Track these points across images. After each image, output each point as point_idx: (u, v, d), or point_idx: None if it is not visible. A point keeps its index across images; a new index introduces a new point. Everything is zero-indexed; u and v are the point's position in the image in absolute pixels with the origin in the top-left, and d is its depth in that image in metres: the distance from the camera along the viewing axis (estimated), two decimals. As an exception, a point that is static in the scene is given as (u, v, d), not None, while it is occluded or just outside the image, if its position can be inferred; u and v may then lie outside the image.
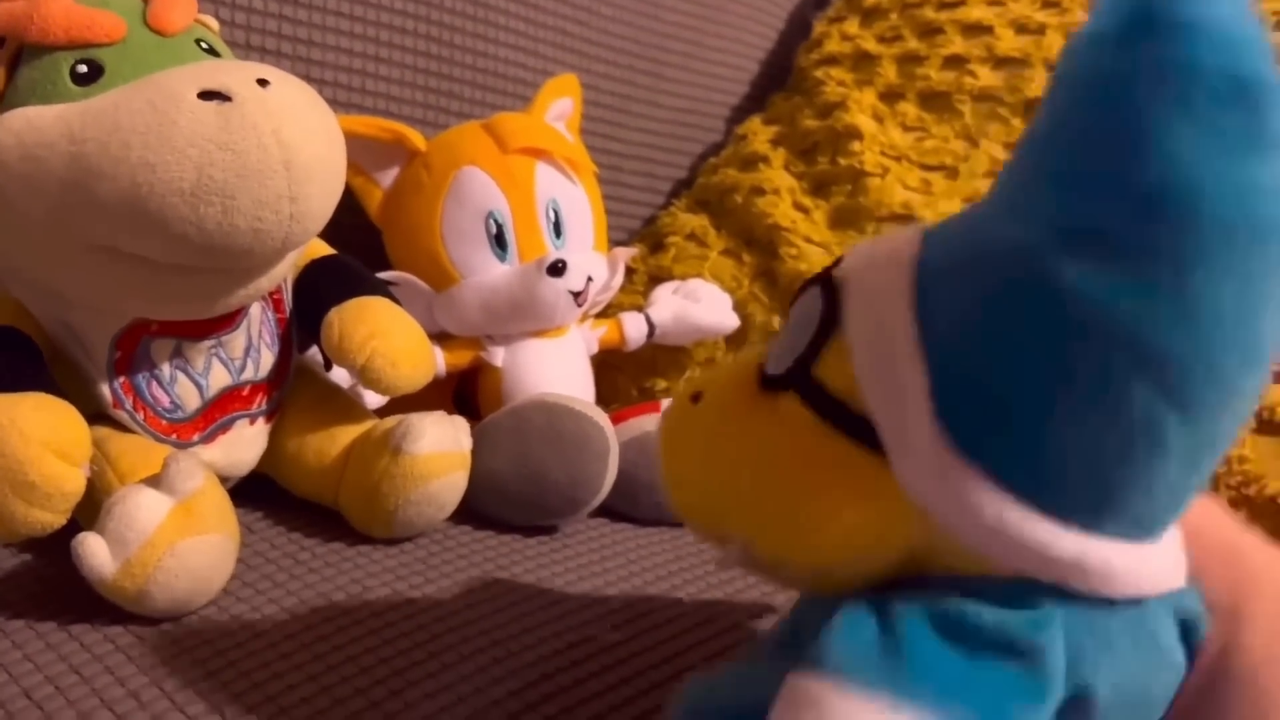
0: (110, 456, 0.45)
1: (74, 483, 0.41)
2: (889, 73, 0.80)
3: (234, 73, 0.41)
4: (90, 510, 0.42)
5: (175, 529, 0.41)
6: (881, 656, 0.24)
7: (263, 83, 0.40)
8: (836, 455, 0.27)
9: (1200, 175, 0.23)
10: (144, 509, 0.40)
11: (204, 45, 0.45)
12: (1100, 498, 0.25)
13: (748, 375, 0.31)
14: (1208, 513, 0.31)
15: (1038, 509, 0.25)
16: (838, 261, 0.30)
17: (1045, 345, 0.24)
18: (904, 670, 0.24)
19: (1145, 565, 0.26)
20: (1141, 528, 0.26)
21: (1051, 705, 0.25)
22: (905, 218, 0.67)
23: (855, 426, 0.27)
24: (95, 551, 0.40)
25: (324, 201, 0.43)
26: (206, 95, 0.39)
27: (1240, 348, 0.24)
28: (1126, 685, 0.26)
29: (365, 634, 0.42)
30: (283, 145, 0.40)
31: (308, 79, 0.46)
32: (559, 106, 0.67)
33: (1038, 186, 0.25)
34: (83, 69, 0.41)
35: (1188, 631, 0.28)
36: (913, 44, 0.81)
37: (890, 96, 0.78)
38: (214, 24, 0.48)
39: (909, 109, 0.76)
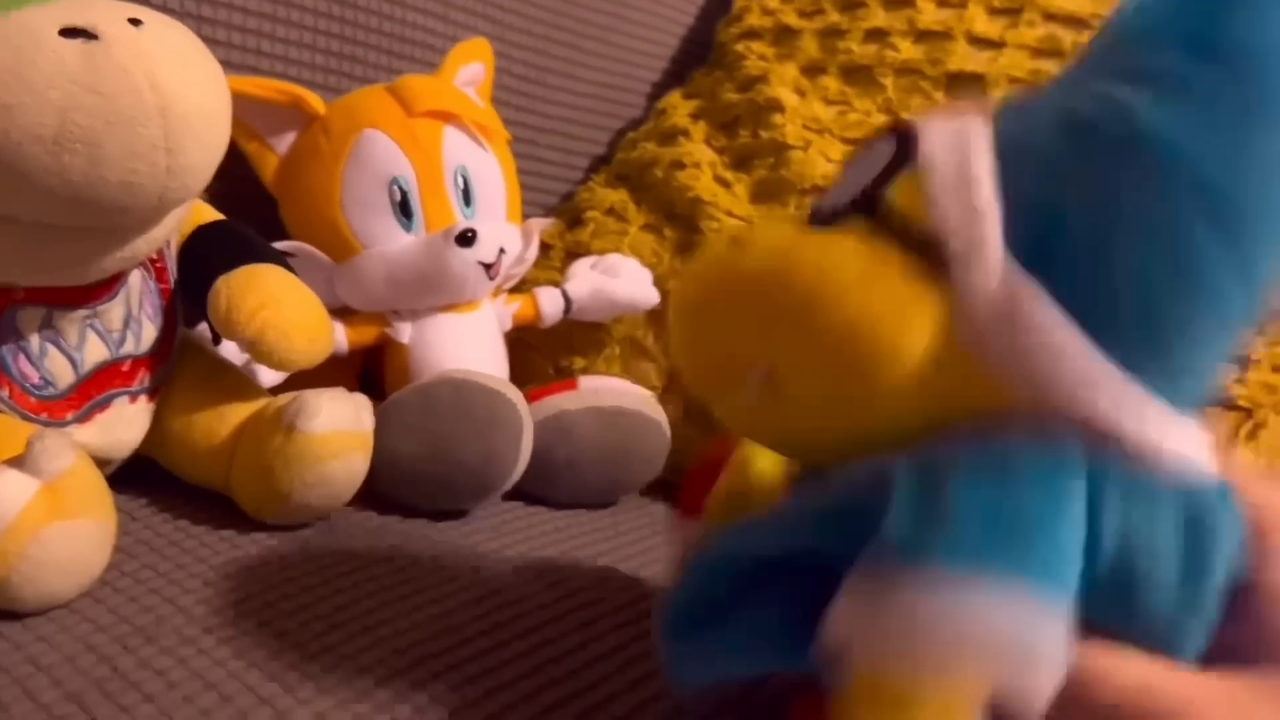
0: (-31, 438, 0.41)
1: (-77, 467, 0.37)
2: (810, 46, 0.78)
3: (101, 9, 0.37)
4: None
5: (41, 513, 0.37)
6: (941, 533, 0.24)
7: (135, 22, 0.37)
8: (904, 269, 0.27)
9: (1276, 38, 0.25)
10: (4, 492, 0.37)
11: (71, -14, 0.41)
12: (1146, 340, 0.25)
13: (788, 219, 0.32)
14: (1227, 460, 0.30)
15: (1089, 336, 0.25)
16: (899, 122, 0.30)
17: (1114, 177, 0.25)
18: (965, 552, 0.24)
19: (1175, 426, 0.26)
20: (1181, 388, 0.26)
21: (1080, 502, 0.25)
22: (828, 191, 0.65)
23: (920, 243, 0.27)
24: (-50, 541, 0.36)
25: (205, 155, 0.39)
26: (69, 33, 0.36)
27: None
28: (1138, 549, 0.25)
29: (255, 627, 0.38)
30: (157, 90, 0.36)
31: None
32: (469, 71, 0.64)
33: (1111, 50, 0.27)
34: (-70, 5, 0.37)
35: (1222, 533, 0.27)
36: (834, 17, 0.79)
37: (812, 70, 0.77)
38: (85, -34, 0.44)
39: (831, 82, 0.75)
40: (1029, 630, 0.23)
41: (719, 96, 0.78)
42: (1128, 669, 0.26)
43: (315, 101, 0.58)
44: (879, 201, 0.28)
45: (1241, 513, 0.27)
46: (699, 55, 0.92)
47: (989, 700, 0.24)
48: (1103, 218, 0.25)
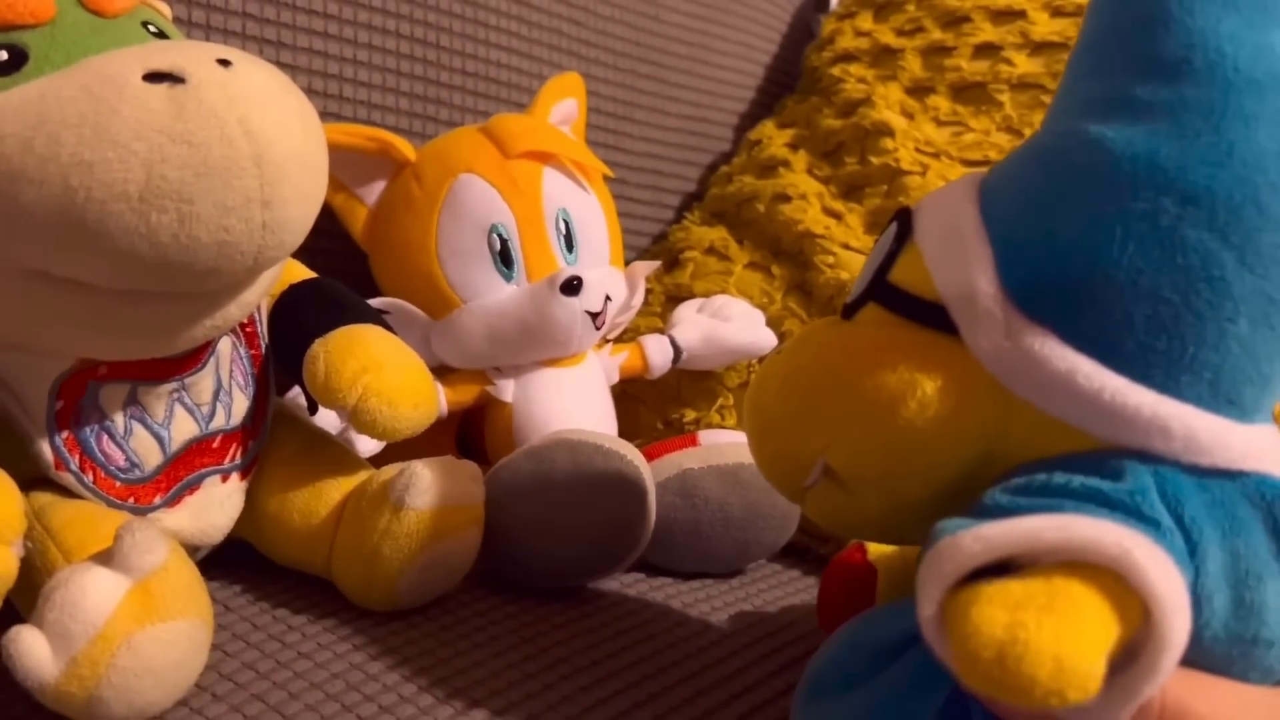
0: (52, 529, 0.37)
1: (2, 565, 0.33)
2: (914, 66, 0.73)
3: (188, 51, 0.33)
4: (29, 596, 0.34)
5: (132, 617, 0.33)
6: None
7: (224, 63, 0.33)
8: (913, 340, 0.28)
9: (1220, 41, 0.25)
10: (92, 593, 0.32)
11: (152, 29, 0.37)
12: (1171, 351, 0.25)
13: (829, 317, 0.33)
14: None
15: (1109, 365, 0.25)
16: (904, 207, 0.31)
17: (1096, 198, 0.26)
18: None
19: (1234, 436, 0.25)
20: (1226, 398, 0.26)
21: (1186, 564, 0.24)
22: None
23: (928, 313, 0.28)
24: (32, 649, 0.32)
25: (303, 207, 0.35)
26: (155, 77, 0.32)
27: None
28: (1238, 558, 0.24)
29: (371, 734, 0.34)
30: (251, 137, 0.32)
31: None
32: (563, 109, 0.60)
33: (1070, 88, 0.28)
34: (2, 55, 0.34)
35: None
36: (937, 35, 0.74)
37: (918, 91, 0.72)
38: (165, 8, 0.40)
39: (941, 102, 0.70)
40: (1126, 542, 0.21)
41: (818, 124, 0.73)
42: (1240, 714, 0.25)
43: (405, 147, 0.54)
44: (886, 284, 0.29)
45: None
46: (785, 84, 0.88)
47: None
48: (1094, 245, 0.25)
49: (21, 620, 0.33)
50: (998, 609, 0.20)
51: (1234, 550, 0.24)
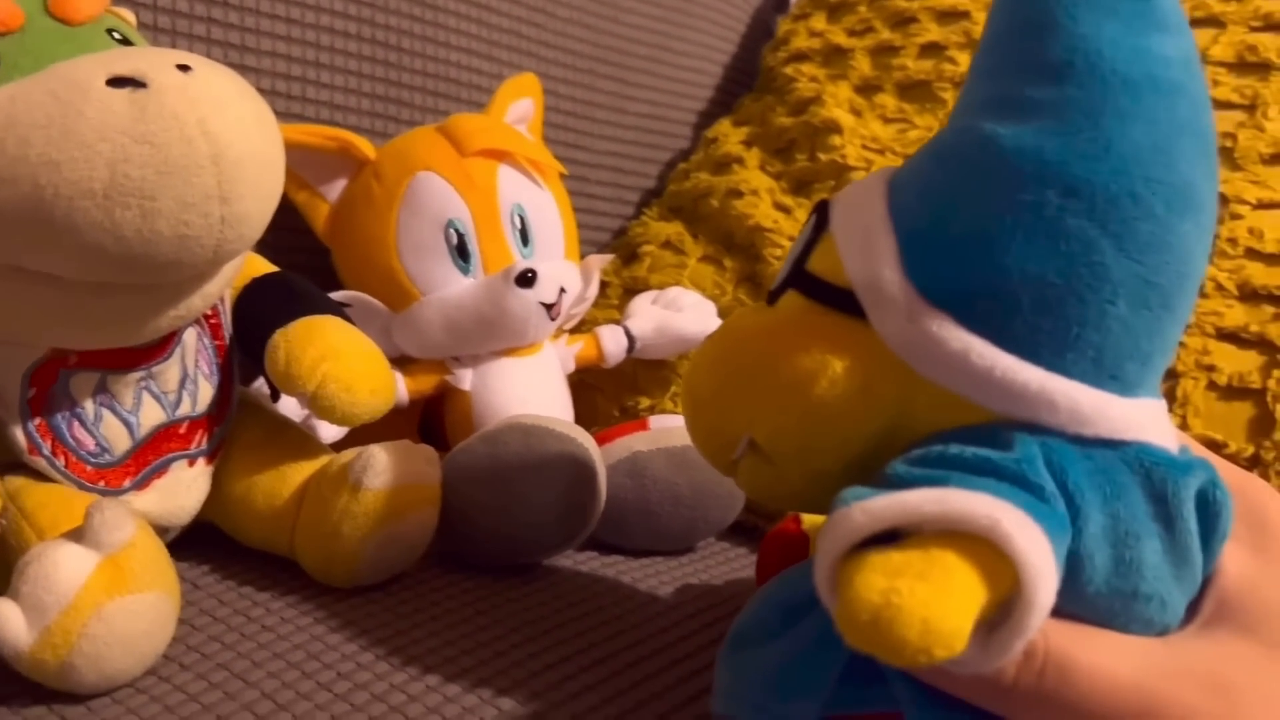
0: (26, 510, 0.39)
1: (-22, 543, 0.35)
2: (863, 65, 0.76)
3: (150, 57, 0.35)
4: (4, 573, 0.36)
5: (102, 589, 0.35)
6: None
7: (184, 68, 0.35)
8: (825, 323, 0.30)
9: (1101, 45, 0.27)
10: (64, 567, 0.35)
11: (116, 35, 0.39)
12: (1056, 331, 0.27)
13: (758, 303, 0.34)
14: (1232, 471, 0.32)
15: (1000, 345, 0.27)
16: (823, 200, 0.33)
17: (988, 192, 0.27)
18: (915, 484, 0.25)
19: (1115, 408, 0.27)
20: (1108, 373, 0.27)
21: (1067, 526, 0.26)
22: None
23: (840, 299, 0.30)
24: (7, 620, 0.34)
25: (260, 203, 0.37)
26: (118, 82, 0.34)
27: (1164, 187, 0.27)
28: (1118, 521, 0.27)
29: (330, 700, 0.36)
30: (209, 137, 0.34)
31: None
32: (519, 108, 0.62)
33: (971, 86, 0.30)
34: (-28, 62, 0.36)
35: (1204, 504, 0.28)
36: (885, 35, 0.77)
37: (866, 89, 0.74)
38: (129, 15, 0.42)
39: (888, 100, 0.72)
40: (995, 513, 0.23)
41: (771, 121, 0.76)
42: (1122, 665, 0.27)
43: (365, 146, 0.57)
44: (804, 272, 0.31)
45: (1213, 478, 0.28)
46: (744, 83, 0.91)
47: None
48: (988, 233, 0.27)
49: (-3, 596, 0.35)
50: (877, 575, 0.22)
51: (1114, 513, 0.26)
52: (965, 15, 0.73)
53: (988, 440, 0.27)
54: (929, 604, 0.22)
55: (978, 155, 0.28)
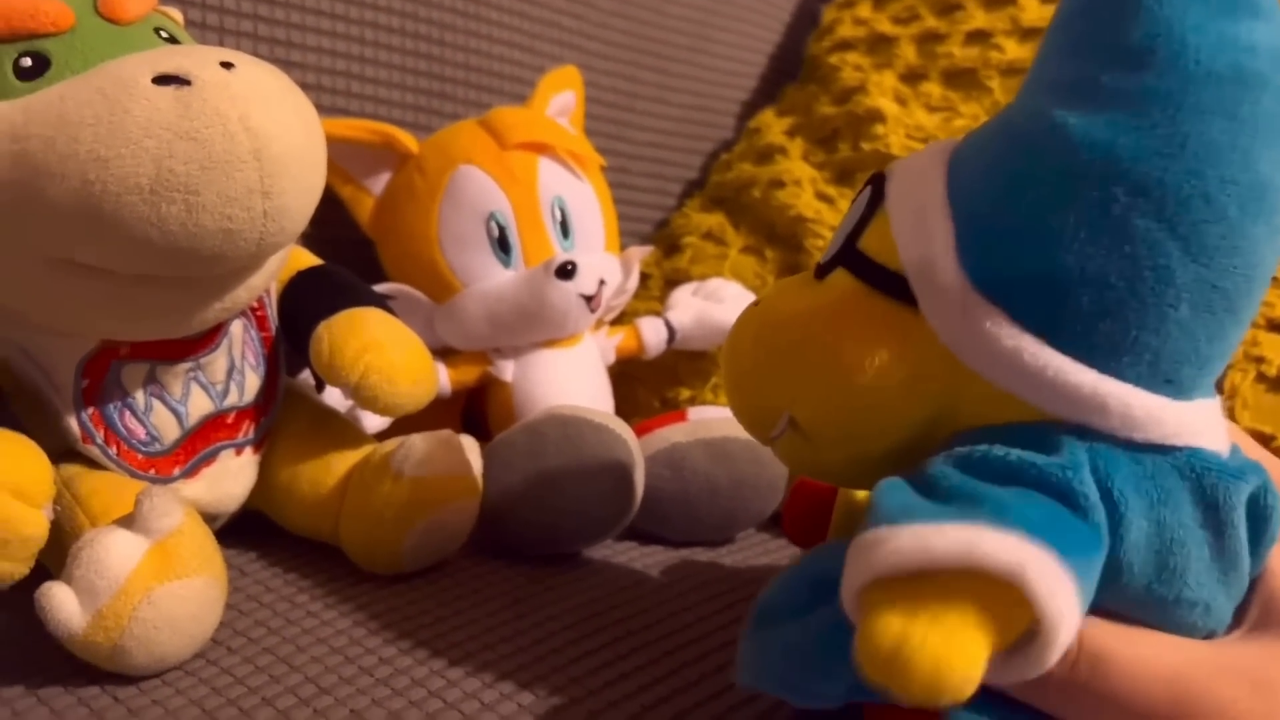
0: (80, 496, 0.41)
1: (34, 526, 0.36)
2: (908, 53, 0.75)
3: (194, 55, 0.36)
4: (59, 557, 0.37)
5: (151, 574, 0.36)
6: (926, 499, 0.25)
7: (227, 65, 0.36)
8: (874, 309, 0.29)
9: (1185, 31, 0.26)
10: (115, 552, 0.36)
11: (164, 34, 0.40)
12: (1113, 334, 0.26)
13: (804, 273, 0.33)
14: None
15: (1054, 344, 0.26)
16: (879, 171, 0.32)
17: (1053, 185, 0.26)
18: (952, 503, 0.25)
19: (1169, 413, 0.27)
20: (1164, 377, 0.27)
21: (1103, 540, 0.25)
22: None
23: (891, 283, 0.29)
24: (63, 603, 0.35)
25: (301, 197, 0.38)
26: (163, 80, 0.35)
27: (1239, 188, 0.26)
28: (1163, 528, 0.26)
29: (371, 684, 0.37)
30: (251, 133, 0.35)
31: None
32: (560, 100, 0.63)
33: (1043, 63, 0.28)
34: (27, 62, 0.37)
35: (1255, 508, 0.28)
36: (931, 22, 0.76)
37: (911, 77, 0.74)
38: (177, 14, 0.43)
39: (933, 89, 0.72)
40: (1023, 559, 0.22)
41: (815, 111, 0.76)
42: (1158, 659, 0.26)
43: (408, 140, 0.57)
44: (855, 251, 0.30)
45: (1265, 483, 0.27)
46: (788, 72, 0.90)
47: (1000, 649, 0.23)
48: (1051, 228, 0.26)
49: (52, 578, 0.36)
50: (895, 617, 0.22)
51: (1159, 519, 0.26)
52: (1011, 1, 0.73)
53: (1035, 442, 0.26)
54: (939, 655, 0.22)
55: (1045, 143, 0.27)
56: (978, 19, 0.73)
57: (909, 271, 0.28)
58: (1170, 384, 0.27)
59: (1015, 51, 0.70)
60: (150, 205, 0.34)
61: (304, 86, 0.54)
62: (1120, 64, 0.26)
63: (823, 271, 0.32)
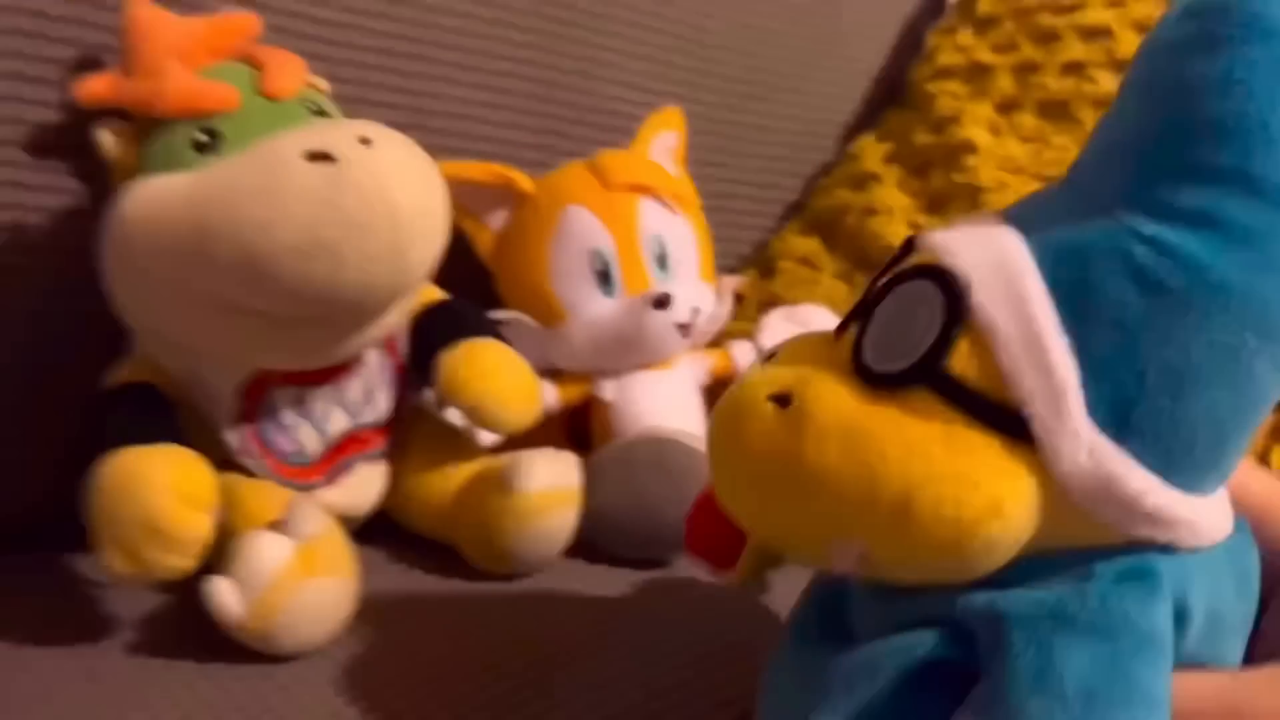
0: (236, 501, 0.47)
1: (202, 529, 0.43)
2: (1005, 83, 0.78)
3: (338, 133, 0.43)
4: (219, 554, 0.44)
5: (297, 571, 0.42)
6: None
7: (365, 141, 0.42)
8: (982, 443, 0.26)
9: None
10: (267, 553, 0.42)
11: (312, 108, 0.47)
12: (1214, 464, 0.26)
13: (842, 372, 0.28)
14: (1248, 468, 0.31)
15: (1169, 480, 0.26)
16: (910, 244, 0.29)
17: (1188, 329, 0.25)
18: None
19: (1214, 514, 0.27)
20: (1224, 480, 0.28)
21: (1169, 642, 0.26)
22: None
23: (996, 416, 0.26)
24: (224, 594, 0.42)
25: (428, 251, 0.44)
26: (313, 157, 0.41)
27: None
28: (1212, 611, 0.28)
29: (481, 669, 0.42)
30: (386, 202, 0.41)
31: (421, 128, 0.48)
32: (663, 141, 0.68)
33: (1150, 179, 0.26)
34: (203, 138, 0.44)
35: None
36: (1029, 51, 0.78)
37: (1007, 107, 0.76)
38: (324, 85, 0.50)
39: (1026, 119, 0.74)
40: None
41: (911, 139, 0.79)
42: (1206, 674, 0.28)
43: (523, 180, 0.63)
44: (943, 373, 0.26)
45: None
46: (894, 95, 0.92)
47: None
48: (1179, 372, 0.25)
49: (212, 573, 0.42)
50: None
51: (1213, 610, 0.27)
52: (1108, 33, 0.74)
53: (1134, 575, 0.26)
54: None
55: (1181, 282, 0.25)
56: (1074, 50, 0.75)
57: (1030, 411, 0.26)
58: (1216, 488, 0.28)
59: (1108, 84, 0.71)
60: (301, 263, 0.41)
61: (435, 132, 0.61)
62: (1259, 196, 0.24)
63: (892, 382, 0.27)
